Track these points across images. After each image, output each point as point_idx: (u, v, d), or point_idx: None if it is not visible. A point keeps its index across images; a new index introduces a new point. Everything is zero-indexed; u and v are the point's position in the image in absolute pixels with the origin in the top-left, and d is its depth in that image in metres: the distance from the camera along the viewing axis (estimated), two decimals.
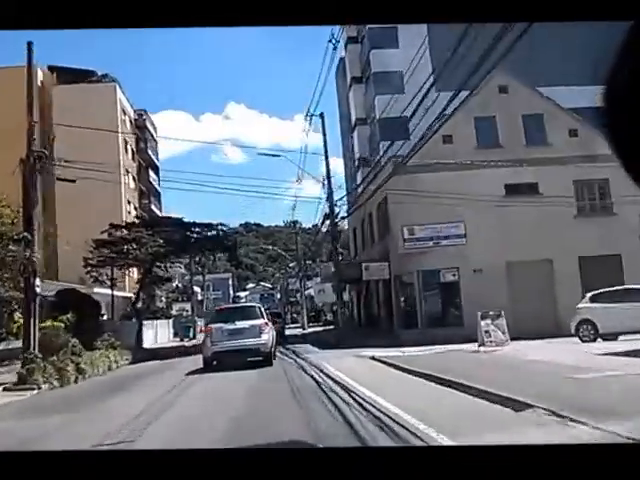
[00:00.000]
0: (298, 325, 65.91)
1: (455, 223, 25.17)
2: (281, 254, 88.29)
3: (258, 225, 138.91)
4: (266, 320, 18.66)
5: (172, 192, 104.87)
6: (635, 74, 0.94)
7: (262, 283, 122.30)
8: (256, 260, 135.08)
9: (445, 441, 6.26)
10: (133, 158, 56.81)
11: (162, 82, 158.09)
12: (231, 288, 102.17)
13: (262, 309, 19.94)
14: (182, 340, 46.10)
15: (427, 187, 24.21)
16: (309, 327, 51.20)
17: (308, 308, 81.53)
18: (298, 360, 19.07)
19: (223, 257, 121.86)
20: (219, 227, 33.62)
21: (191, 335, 47.46)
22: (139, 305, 48.11)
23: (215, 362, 17.26)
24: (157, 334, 44.08)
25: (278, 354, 21.55)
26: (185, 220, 34.19)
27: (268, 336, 17.90)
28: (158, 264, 35.24)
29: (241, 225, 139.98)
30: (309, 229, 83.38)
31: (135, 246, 30.54)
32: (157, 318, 47.90)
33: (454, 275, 25.26)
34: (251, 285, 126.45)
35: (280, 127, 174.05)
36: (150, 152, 60.39)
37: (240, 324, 17.74)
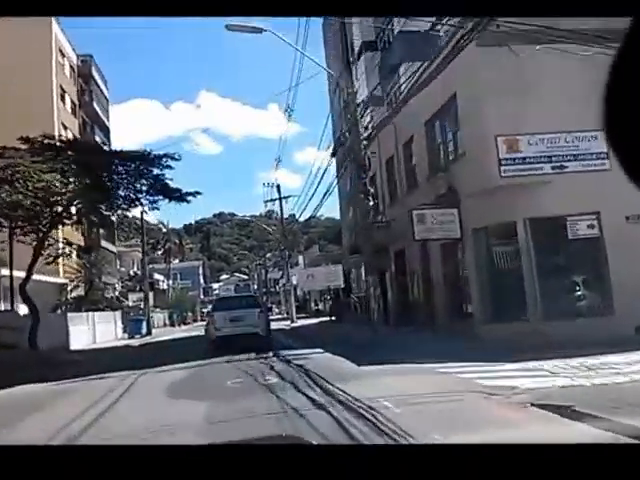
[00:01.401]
0: (281, 317, 53.90)
1: (591, 132, 13.38)
2: (256, 243, 77.40)
3: (232, 215, 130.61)
4: (262, 308, 19.72)
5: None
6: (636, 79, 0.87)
7: (236, 274, 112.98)
8: (230, 251, 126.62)
9: None
10: (74, 113, 43.93)
11: (131, 69, 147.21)
12: (201, 277, 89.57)
13: (259, 298, 22.52)
14: (132, 337, 33.78)
15: (533, 70, 12.69)
16: (298, 319, 39.07)
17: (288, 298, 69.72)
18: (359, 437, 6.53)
19: (194, 246, 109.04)
20: (163, 161, 20.55)
21: (144, 331, 35.04)
22: (71, 293, 35.79)
23: (219, 345, 17.35)
24: (96, 330, 31.65)
25: (272, 379, 10.97)
26: (106, 149, 20.94)
27: (265, 323, 18.79)
28: (65, 221, 22.26)
29: (215, 215, 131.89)
30: (285, 219, 79.07)
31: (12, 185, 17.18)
32: (100, 309, 35.45)
33: (592, 226, 13.49)
34: (225, 276, 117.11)
35: (255, 116, 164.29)
36: (98, 108, 47.53)
37: (240, 312, 18.34)
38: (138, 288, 58.85)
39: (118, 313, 36.55)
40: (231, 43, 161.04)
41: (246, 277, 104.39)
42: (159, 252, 71.67)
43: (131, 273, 60.03)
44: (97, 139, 47.25)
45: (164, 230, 68.38)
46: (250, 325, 17.82)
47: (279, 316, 55.94)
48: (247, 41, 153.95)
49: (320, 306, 52.02)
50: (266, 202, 40.35)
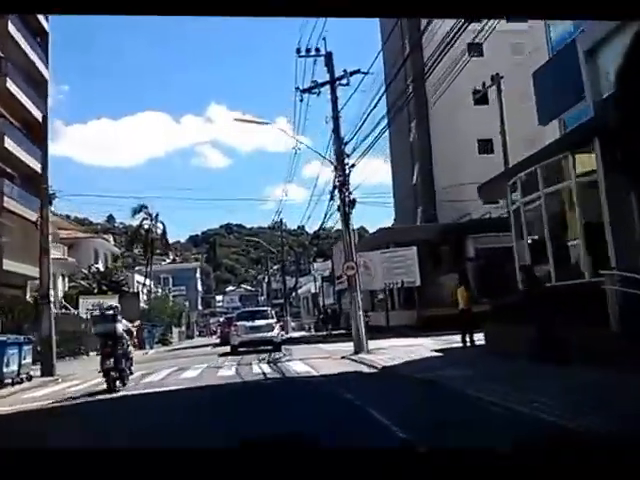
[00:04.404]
0: (308, 334, 33.07)
1: None
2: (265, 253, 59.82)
3: (240, 226, 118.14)
4: (276, 320, 23.08)
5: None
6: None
7: (243, 285, 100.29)
8: (237, 262, 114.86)
9: None
10: None
11: (143, 81, 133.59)
12: (199, 283, 68.30)
13: (273, 312, 24.78)
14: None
15: None
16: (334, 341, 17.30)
17: (309, 308, 49.12)
18: None
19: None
20: None
21: (14, 370, 13.86)
22: None
23: (240, 347, 20.78)
24: None
25: None
26: None
27: (278, 331, 21.81)
28: None
29: (222, 226, 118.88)
30: (294, 231, 67.11)
31: None
32: None
33: None
34: (231, 288, 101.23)
35: (263, 130, 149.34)
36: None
37: (258, 322, 21.40)
38: (97, 290, 38.15)
39: None
40: (240, 56, 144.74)
41: (253, 288, 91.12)
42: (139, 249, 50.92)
43: (93, 269, 39.27)
44: None
45: (144, 217, 47.51)
46: (265, 333, 20.86)
47: (303, 332, 35.03)
48: (254, 56, 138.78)
49: (371, 317, 30.38)
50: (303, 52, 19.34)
